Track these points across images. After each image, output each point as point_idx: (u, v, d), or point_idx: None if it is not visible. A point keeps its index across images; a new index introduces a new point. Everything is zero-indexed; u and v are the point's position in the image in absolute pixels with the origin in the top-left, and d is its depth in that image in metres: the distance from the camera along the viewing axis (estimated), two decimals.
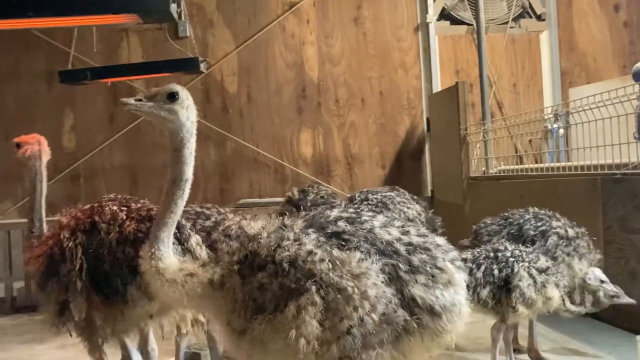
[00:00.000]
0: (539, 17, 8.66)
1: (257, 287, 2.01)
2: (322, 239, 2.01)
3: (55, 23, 3.52)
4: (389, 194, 3.85)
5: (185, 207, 3.18)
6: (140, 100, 2.28)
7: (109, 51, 7.93)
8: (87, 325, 2.60)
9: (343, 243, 1.99)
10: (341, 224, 2.06)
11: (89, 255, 2.54)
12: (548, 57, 8.64)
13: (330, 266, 1.94)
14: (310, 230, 2.05)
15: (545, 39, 8.68)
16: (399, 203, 3.74)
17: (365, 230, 2.04)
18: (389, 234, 2.03)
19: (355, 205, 3.68)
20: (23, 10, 2.76)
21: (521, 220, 3.71)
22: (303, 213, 3.43)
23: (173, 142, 2.37)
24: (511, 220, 3.76)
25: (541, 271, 3.23)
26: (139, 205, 2.72)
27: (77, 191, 7.91)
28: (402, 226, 2.11)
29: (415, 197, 4.58)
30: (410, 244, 2.02)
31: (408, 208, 3.78)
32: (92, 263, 2.53)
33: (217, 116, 8.12)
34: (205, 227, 3.13)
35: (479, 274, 3.20)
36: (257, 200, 7.78)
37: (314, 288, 1.92)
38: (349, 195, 4.11)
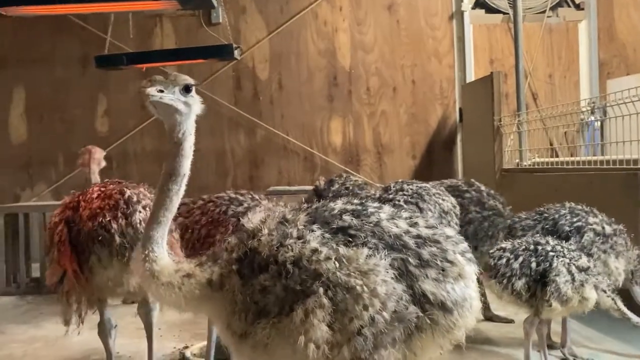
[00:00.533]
0: (578, 6, 8.44)
1: (259, 290, 1.89)
2: (327, 235, 1.91)
3: (97, 8, 3.54)
4: (424, 184, 3.79)
5: (219, 193, 3.19)
6: (162, 91, 2.16)
7: (142, 37, 7.99)
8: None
9: (350, 239, 1.89)
10: (347, 217, 1.95)
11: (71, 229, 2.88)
12: (586, 47, 8.42)
13: (337, 265, 1.85)
14: (314, 226, 1.94)
15: (583, 29, 8.46)
16: (434, 195, 3.67)
17: (372, 224, 1.93)
18: (397, 227, 1.94)
19: (390, 196, 3.63)
20: None
21: (556, 216, 3.62)
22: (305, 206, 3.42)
23: (175, 135, 2.20)
24: (546, 215, 3.67)
25: (581, 270, 3.16)
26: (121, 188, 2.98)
27: (109, 175, 7.99)
28: (410, 217, 2.02)
29: (492, 192, 4.50)
30: (419, 236, 1.93)
31: (443, 200, 3.72)
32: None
33: (248, 103, 8.13)
34: (237, 212, 3.12)
35: (516, 265, 3.15)
36: (286, 187, 7.79)
37: (321, 290, 1.82)
38: (383, 186, 4.06)
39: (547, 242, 3.26)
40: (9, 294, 5.85)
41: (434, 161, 8.26)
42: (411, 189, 3.66)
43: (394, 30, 8.25)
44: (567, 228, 3.53)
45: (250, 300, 1.90)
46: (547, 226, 3.60)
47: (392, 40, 8.24)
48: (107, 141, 8.01)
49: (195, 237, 3.12)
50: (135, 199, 2.90)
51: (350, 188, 4.57)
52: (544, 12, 8.33)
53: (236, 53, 5.65)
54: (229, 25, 7.71)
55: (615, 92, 4.75)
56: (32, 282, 6.14)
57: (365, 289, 1.81)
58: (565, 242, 3.40)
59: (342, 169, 7.94)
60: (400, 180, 3.88)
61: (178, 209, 3.00)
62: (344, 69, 8.21)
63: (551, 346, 3.82)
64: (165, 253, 2.09)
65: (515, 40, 6.86)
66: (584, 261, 3.21)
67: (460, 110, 8.18)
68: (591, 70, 8.38)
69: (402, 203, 3.55)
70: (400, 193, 3.63)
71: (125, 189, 2.90)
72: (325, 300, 1.81)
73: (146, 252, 2.06)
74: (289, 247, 1.89)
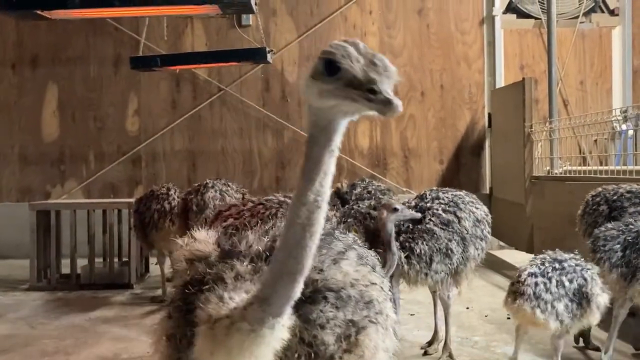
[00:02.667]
0: (612, 12, 8.31)
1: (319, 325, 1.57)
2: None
3: (136, 12, 3.59)
4: (458, 193, 3.77)
5: (267, 196, 3.22)
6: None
7: (173, 37, 8.08)
8: None
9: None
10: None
11: None
12: (619, 54, 8.29)
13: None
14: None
15: (617, 35, 8.33)
16: (468, 203, 3.66)
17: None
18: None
19: (428, 204, 3.62)
20: (109, 0, 2.82)
21: None
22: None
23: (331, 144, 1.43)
24: (632, 227, 3.55)
25: None
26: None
27: (139, 174, 8.13)
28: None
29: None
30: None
31: (476, 208, 3.70)
32: None
33: (276, 105, 8.17)
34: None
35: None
36: None
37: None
38: (408, 190, 4.05)
39: None
40: (39, 290, 5.95)
41: (462, 166, 8.21)
42: (447, 197, 3.64)
43: (424, 34, 8.21)
44: None
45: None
46: (630, 238, 3.48)
47: (422, 44, 8.21)
48: (137, 140, 8.13)
49: None
50: None
51: (373, 192, 4.56)
52: (576, 17, 8.22)
53: (269, 56, 5.68)
54: (260, 27, 7.75)
55: None
56: (62, 278, 6.25)
57: None
58: None
59: (369, 172, 7.93)
60: (435, 189, 3.87)
61: (228, 209, 3.09)
62: None
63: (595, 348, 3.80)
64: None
65: (549, 46, 6.79)
66: None
67: (489, 115, 8.11)
68: (624, 78, 8.25)
69: (440, 212, 3.55)
70: (437, 201, 3.61)
71: None
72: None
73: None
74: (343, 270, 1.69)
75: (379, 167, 8.19)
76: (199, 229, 1.92)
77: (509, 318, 4.61)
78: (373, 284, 1.72)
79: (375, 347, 1.61)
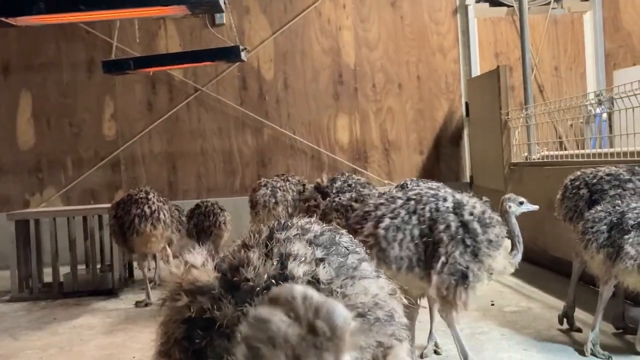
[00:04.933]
0: None
1: None
2: None
3: (107, 16, 3.53)
4: (438, 185, 3.77)
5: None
6: None
7: (147, 40, 8.01)
8: None
9: None
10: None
11: None
12: (591, 38, 8.38)
13: None
14: None
15: (588, 20, 8.42)
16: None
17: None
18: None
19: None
20: (75, 4, 2.78)
21: (626, 208, 3.52)
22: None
23: None
24: (618, 208, 3.50)
25: None
26: None
27: (118, 178, 8.06)
28: None
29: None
30: None
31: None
32: None
33: (254, 103, 8.14)
34: None
35: None
36: None
37: None
38: (389, 183, 4.07)
39: None
40: (22, 300, 5.88)
41: (442, 156, 8.26)
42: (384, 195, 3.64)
43: (398, 26, 8.23)
44: (632, 222, 3.40)
45: None
46: (615, 219, 3.46)
47: (397, 37, 8.23)
48: (115, 144, 8.05)
49: None
50: None
51: (353, 185, 4.59)
52: (548, 3, 8.30)
53: (243, 55, 5.66)
54: (233, 26, 7.72)
55: (620, 85, 4.73)
56: (44, 287, 6.18)
57: None
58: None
59: (350, 167, 7.95)
60: (415, 179, 3.88)
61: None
62: (349, 66, 8.20)
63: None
64: None
65: (522, 33, 6.83)
66: None
67: (467, 104, 8.16)
68: (597, 62, 8.35)
69: None
70: (375, 198, 3.61)
71: None
72: None
73: None
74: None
75: (360, 161, 8.21)
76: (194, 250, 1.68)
77: (492, 304, 4.68)
78: (389, 294, 1.60)
79: None
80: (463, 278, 2.94)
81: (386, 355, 1.48)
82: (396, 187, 3.81)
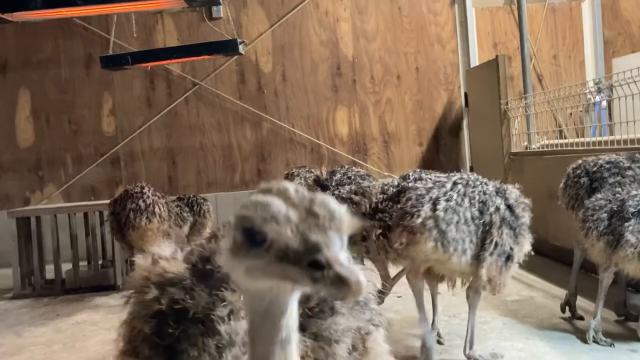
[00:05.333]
0: None
1: None
2: None
3: (103, 10, 3.53)
4: (441, 175, 3.76)
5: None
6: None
7: (144, 34, 7.98)
8: None
9: None
10: None
11: None
12: (590, 26, 8.36)
13: None
14: None
15: (587, 7, 8.40)
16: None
17: None
18: None
19: (410, 184, 3.58)
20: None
21: (626, 196, 3.52)
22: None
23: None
24: (618, 196, 3.52)
25: None
26: None
27: (118, 174, 8.06)
28: None
29: None
30: None
31: None
32: None
33: (253, 97, 8.13)
34: None
35: None
36: None
37: None
38: (389, 175, 4.07)
39: None
40: (24, 297, 5.89)
41: (441, 147, 8.25)
42: (429, 179, 3.62)
43: (396, 17, 8.21)
44: (632, 210, 3.38)
45: None
46: (615, 206, 3.45)
47: (394, 28, 8.20)
48: (114, 141, 8.05)
49: None
50: None
51: (353, 177, 4.58)
52: None
53: (241, 48, 5.64)
54: (231, 19, 7.69)
55: (619, 73, 4.72)
56: (47, 284, 6.19)
57: None
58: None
59: (350, 159, 7.94)
60: (418, 170, 3.86)
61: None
62: (347, 58, 8.18)
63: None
64: None
65: (520, 23, 6.81)
66: None
67: (466, 95, 8.15)
68: (596, 49, 8.32)
69: None
70: (420, 182, 3.59)
71: None
72: None
73: None
74: None
75: (359, 153, 8.20)
76: (163, 243, 1.60)
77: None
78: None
79: (381, 352, 1.52)
80: (507, 260, 3.04)
81: (365, 341, 1.48)
82: (399, 178, 3.80)
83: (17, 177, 8.00)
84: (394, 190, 3.49)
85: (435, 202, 3.02)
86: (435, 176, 3.51)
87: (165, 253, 1.53)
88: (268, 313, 1.04)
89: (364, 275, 0.93)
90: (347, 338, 1.43)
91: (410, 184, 3.45)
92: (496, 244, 2.99)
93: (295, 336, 1.06)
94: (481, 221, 3.02)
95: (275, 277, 0.99)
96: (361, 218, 3.37)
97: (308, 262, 0.94)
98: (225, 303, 1.37)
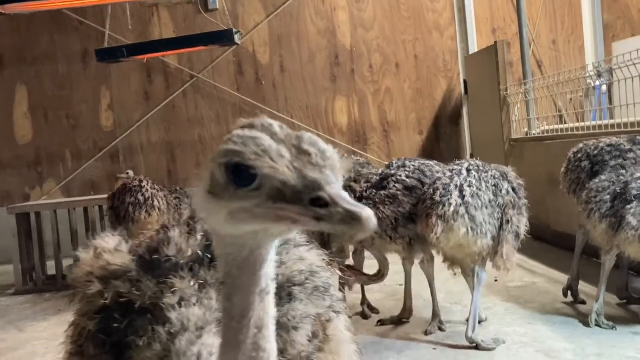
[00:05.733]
0: None
1: None
2: None
3: (95, 1, 3.48)
4: (428, 162, 3.83)
5: None
6: None
7: (140, 28, 7.93)
8: None
9: None
10: None
11: None
12: (589, 10, 8.28)
13: None
14: None
15: None
16: (436, 172, 3.70)
17: None
18: None
19: (392, 171, 3.68)
20: None
21: (630, 178, 3.48)
22: None
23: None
24: (622, 178, 3.51)
25: None
26: None
27: (117, 169, 8.01)
28: None
29: None
30: None
31: None
32: None
33: (251, 88, 8.08)
34: None
35: None
36: None
37: None
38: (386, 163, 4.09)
39: None
40: (26, 293, 5.88)
41: (442, 135, 8.21)
42: (413, 166, 3.71)
43: (393, 5, 8.14)
44: (635, 192, 3.35)
45: None
46: (618, 189, 3.41)
47: (392, 16, 8.14)
48: (113, 135, 8.02)
49: None
50: None
51: (352, 166, 4.57)
52: None
53: (237, 38, 5.59)
54: (227, 10, 7.63)
55: (619, 56, 4.68)
56: (48, 280, 6.18)
57: None
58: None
59: (349, 149, 7.91)
60: (403, 158, 3.94)
61: None
62: (345, 47, 8.13)
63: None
64: None
65: (518, 8, 6.76)
66: None
67: (465, 82, 8.09)
68: (596, 34, 8.25)
69: (404, 178, 3.61)
70: (402, 169, 3.67)
71: None
72: None
73: None
74: None
75: (359, 143, 8.16)
76: (105, 234, 1.51)
77: (496, 280, 4.67)
78: (323, 266, 1.49)
79: (343, 339, 1.44)
80: (517, 238, 3.30)
81: (325, 328, 1.41)
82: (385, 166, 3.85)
83: (16, 173, 7.98)
84: (378, 178, 3.60)
85: (461, 190, 3.22)
86: (419, 163, 3.64)
87: (108, 245, 1.45)
88: (248, 262, 0.97)
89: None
90: (306, 325, 1.36)
91: (393, 171, 3.57)
92: (512, 224, 3.25)
93: (273, 286, 1.01)
94: (496, 203, 3.25)
95: (268, 220, 0.91)
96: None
97: (311, 199, 0.88)
98: (174, 289, 1.30)
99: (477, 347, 3.31)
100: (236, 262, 0.98)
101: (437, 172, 3.71)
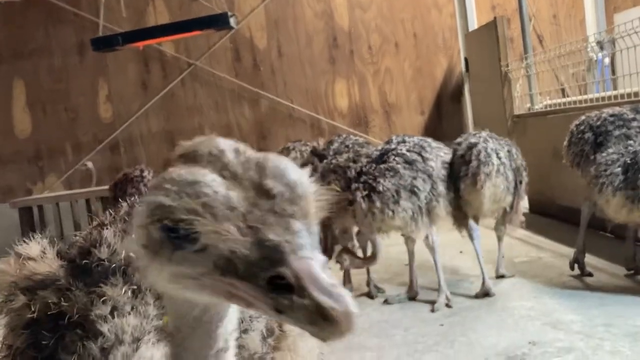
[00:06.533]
0: None
1: None
2: None
3: None
4: (426, 138, 3.85)
5: None
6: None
7: (136, 17, 7.85)
8: None
9: None
10: None
11: None
12: None
13: None
14: None
15: None
16: (435, 148, 3.71)
17: None
18: None
19: (392, 146, 3.73)
20: None
21: (639, 147, 3.42)
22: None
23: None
24: (630, 148, 3.46)
25: None
26: None
27: (118, 160, 8.00)
28: None
29: None
30: None
31: (444, 153, 3.76)
32: None
33: (249, 74, 8.01)
34: None
35: None
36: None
37: None
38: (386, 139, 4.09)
39: None
40: None
41: (443, 115, 8.13)
42: (413, 141, 3.73)
43: None
44: None
45: None
46: (629, 159, 3.38)
47: None
48: (112, 127, 7.98)
49: None
50: None
51: (350, 146, 4.54)
52: None
53: (232, 21, 5.53)
54: None
55: (620, 25, 4.59)
56: None
57: None
58: None
59: (351, 132, 7.83)
60: (402, 134, 3.96)
61: None
62: (343, 29, 8.03)
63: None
64: None
65: None
66: None
67: (466, 59, 7.99)
68: (596, 6, 8.11)
69: (404, 151, 3.63)
70: (402, 144, 3.69)
71: None
72: None
73: None
74: None
75: (360, 126, 8.10)
76: (30, 240, 1.37)
77: (503, 257, 4.62)
78: None
79: (302, 334, 1.31)
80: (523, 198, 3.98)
81: (281, 324, 1.29)
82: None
83: (17, 168, 7.96)
84: (378, 153, 3.63)
85: (497, 152, 3.71)
86: (418, 139, 3.69)
87: (32, 252, 1.32)
88: (200, 321, 0.79)
89: (351, 299, 0.67)
90: (259, 324, 1.26)
91: (393, 146, 3.60)
92: (524, 184, 3.88)
93: (233, 341, 0.84)
94: (511, 166, 3.78)
95: (218, 294, 0.72)
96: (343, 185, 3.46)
97: (268, 278, 0.67)
98: (104, 299, 1.18)
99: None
100: (186, 320, 0.80)
101: (434, 147, 3.74)
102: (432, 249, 3.76)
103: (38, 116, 7.98)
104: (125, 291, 1.20)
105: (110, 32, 7.32)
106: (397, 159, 3.58)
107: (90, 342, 1.16)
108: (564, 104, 5.89)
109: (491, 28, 6.60)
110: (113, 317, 1.17)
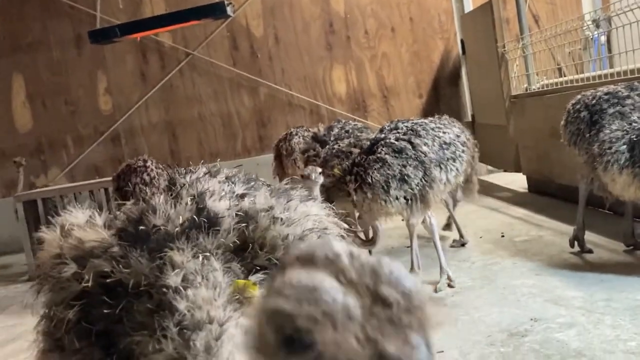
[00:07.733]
0: None
1: None
2: None
3: None
4: (422, 120, 3.84)
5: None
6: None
7: (132, 9, 7.86)
8: None
9: None
10: None
11: None
12: None
13: None
14: None
15: None
16: (432, 129, 3.72)
17: None
18: None
19: (383, 135, 3.72)
20: None
21: None
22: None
23: None
24: (635, 124, 3.47)
25: None
26: None
27: (120, 152, 8.04)
28: None
29: None
30: None
31: (444, 132, 3.77)
32: None
33: (247, 62, 8.03)
34: None
35: None
36: None
37: None
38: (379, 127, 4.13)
39: None
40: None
41: (441, 97, 8.16)
42: (405, 126, 3.72)
43: None
44: None
45: None
46: (634, 136, 3.39)
47: None
48: (112, 118, 8.01)
49: None
50: None
51: (350, 131, 4.58)
52: None
53: (229, 9, 5.54)
54: None
55: (616, 2, 4.62)
56: None
57: None
58: None
59: (350, 118, 7.87)
60: (396, 120, 3.94)
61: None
62: (339, 14, 8.04)
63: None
64: None
65: None
66: None
67: (462, 42, 8.01)
68: None
69: (392, 140, 3.63)
70: (393, 132, 3.68)
71: None
72: None
73: None
74: None
75: (359, 111, 8.13)
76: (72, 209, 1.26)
77: (503, 236, 4.69)
78: (334, 221, 1.40)
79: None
80: None
81: None
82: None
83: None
84: (369, 143, 3.62)
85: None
86: (412, 123, 3.69)
87: (78, 220, 1.25)
88: None
89: None
90: None
91: (382, 135, 3.59)
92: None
93: None
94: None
95: None
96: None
97: None
98: (174, 265, 1.08)
99: None
100: None
101: (432, 128, 3.75)
102: (431, 231, 3.83)
103: (38, 110, 8.01)
104: (194, 255, 1.10)
105: (107, 24, 7.34)
106: (384, 149, 3.58)
107: (167, 319, 1.05)
108: (561, 83, 5.92)
109: (487, 9, 6.62)
110: (186, 289, 1.07)
